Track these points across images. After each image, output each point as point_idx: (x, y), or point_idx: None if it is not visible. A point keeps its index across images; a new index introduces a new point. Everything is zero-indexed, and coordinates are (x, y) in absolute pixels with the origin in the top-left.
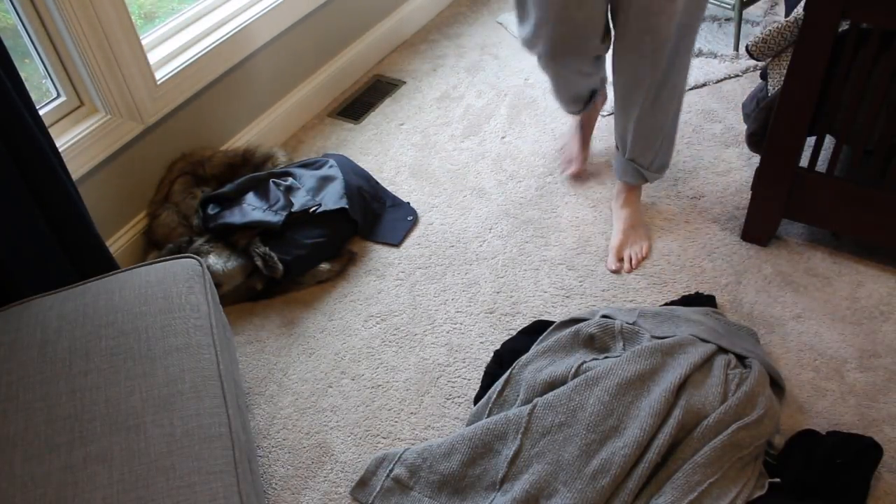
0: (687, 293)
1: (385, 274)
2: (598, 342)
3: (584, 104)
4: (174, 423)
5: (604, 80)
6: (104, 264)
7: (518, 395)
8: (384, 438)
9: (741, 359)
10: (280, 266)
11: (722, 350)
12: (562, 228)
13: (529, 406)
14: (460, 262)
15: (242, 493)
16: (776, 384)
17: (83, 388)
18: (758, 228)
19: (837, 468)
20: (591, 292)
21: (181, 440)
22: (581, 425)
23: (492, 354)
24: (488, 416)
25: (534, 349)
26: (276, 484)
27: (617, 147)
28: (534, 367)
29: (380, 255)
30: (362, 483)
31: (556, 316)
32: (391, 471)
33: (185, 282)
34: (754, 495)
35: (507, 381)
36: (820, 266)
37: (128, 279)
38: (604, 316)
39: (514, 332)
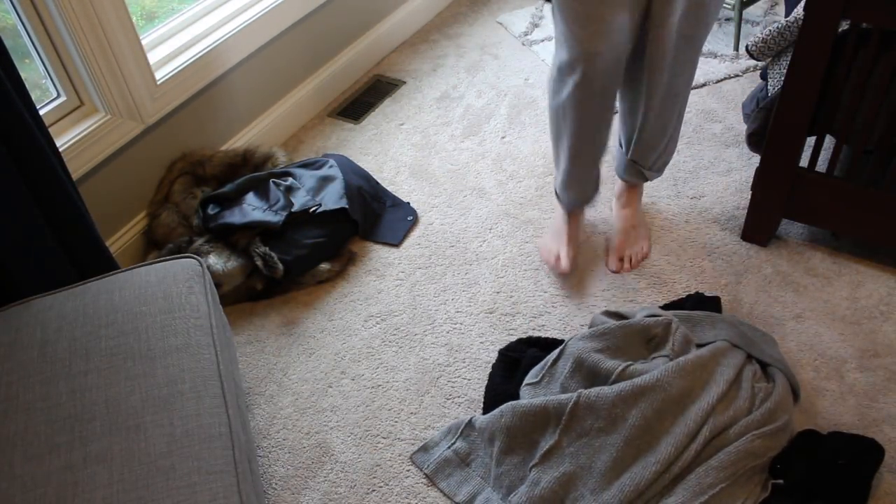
0: (687, 293)
1: (385, 274)
2: (651, 336)
3: (595, 187)
4: (174, 423)
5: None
6: (104, 264)
7: (566, 367)
8: (384, 438)
9: (764, 367)
10: (280, 266)
11: (748, 358)
12: None
13: (572, 400)
14: (460, 262)
15: (242, 493)
16: (793, 390)
17: (83, 388)
18: (758, 228)
19: (839, 469)
20: (591, 292)
21: (181, 440)
22: (619, 436)
23: (494, 355)
24: (540, 380)
25: (588, 331)
26: (276, 484)
27: (620, 145)
28: (584, 346)
29: (380, 255)
30: (425, 448)
31: (556, 316)
32: (453, 443)
33: (185, 282)
34: (760, 499)
35: (560, 353)
36: (820, 266)
37: (128, 279)
38: (651, 315)
39: (514, 333)
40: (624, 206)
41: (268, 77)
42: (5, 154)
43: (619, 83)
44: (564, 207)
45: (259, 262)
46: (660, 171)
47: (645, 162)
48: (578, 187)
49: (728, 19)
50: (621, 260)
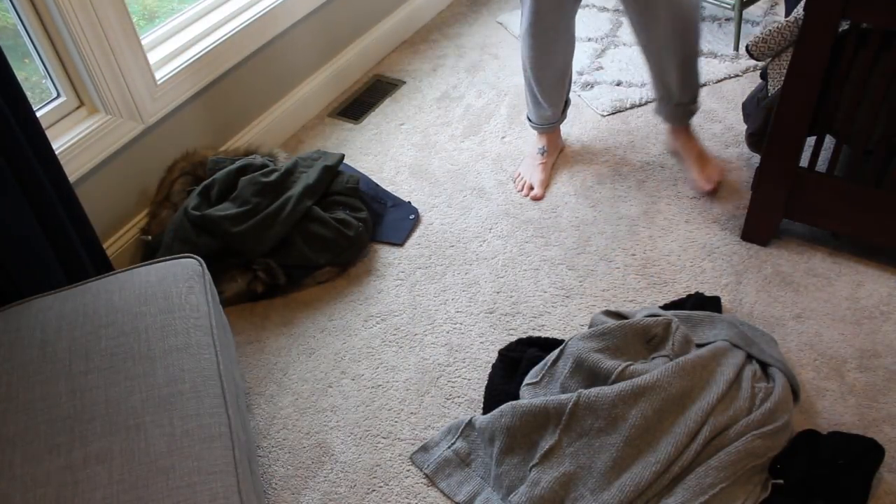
0: (687, 293)
1: (385, 274)
2: (651, 336)
3: (563, 104)
4: (174, 423)
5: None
6: (103, 265)
7: (566, 367)
8: (384, 438)
9: (764, 367)
10: (283, 277)
11: (748, 357)
12: (562, 228)
13: (571, 400)
14: (460, 262)
15: (242, 493)
16: (793, 390)
17: (83, 388)
18: (758, 228)
19: (839, 469)
20: (591, 292)
21: (181, 440)
22: (620, 436)
23: (494, 355)
24: (540, 380)
25: (588, 331)
26: (276, 484)
27: (660, 99)
28: (584, 346)
29: (380, 255)
30: (424, 449)
31: (556, 316)
32: (453, 443)
33: (185, 282)
34: (760, 499)
35: (560, 353)
36: (820, 266)
37: (128, 279)
38: (651, 315)
39: (514, 333)
40: (685, 143)
41: (268, 77)
42: (2, 155)
43: (568, 17)
44: (541, 129)
45: (262, 275)
46: (698, 101)
47: (688, 97)
48: (543, 106)
49: (728, 19)
50: (709, 181)
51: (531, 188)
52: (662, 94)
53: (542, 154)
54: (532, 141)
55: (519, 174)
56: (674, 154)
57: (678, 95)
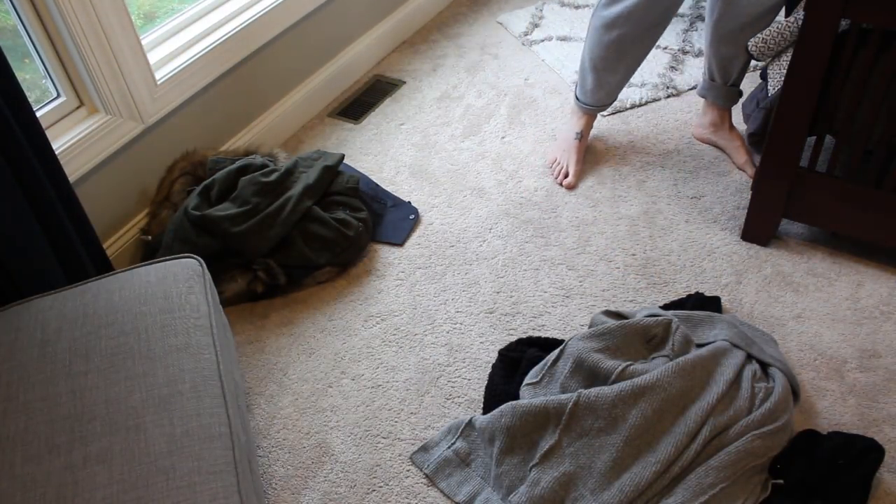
0: (687, 293)
1: (385, 274)
2: (651, 336)
3: (618, 92)
4: (174, 423)
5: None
6: (103, 265)
7: (566, 367)
8: (384, 438)
9: (764, 367)
10: (283, 277)
11: (748, 357)
12: (562, 228)
13: (571, 400)
14: (460, 262)
15: (242, 493)
16: (793, 390)
17: (83, 388)
18: (758, 228)
19: (839, 469)
20: (591, 292)
21: (181, 440)
22: (619, 436)
23: (494, 355)
24: (540, 380)
25: (588, 331)
26: (276, 484)
27: (712, 81)
28: (584, 346)
29: (380, 255)
30: (424, 449)
31: (556, 316)
32: (453, 443)
33: (185, 282)
34: (760, 499)
35: (560, 353)
36: (820, 266)
37: (128, 279)
38: (651, 315)
39: (514, 333)
40: (730, 128)
41: (268, 77)
42: (2, 155)
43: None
44: (589, 110)
45: (262, 275)
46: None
47: (740, 79)
48: (617, 81)
49: None
50: (754, 165)
51: (566, 175)
52: (718, 75)
53: (578, 138)
54: (569, 124)
55: (556, 159)
56: (707, 142)
57: (734, 78)
